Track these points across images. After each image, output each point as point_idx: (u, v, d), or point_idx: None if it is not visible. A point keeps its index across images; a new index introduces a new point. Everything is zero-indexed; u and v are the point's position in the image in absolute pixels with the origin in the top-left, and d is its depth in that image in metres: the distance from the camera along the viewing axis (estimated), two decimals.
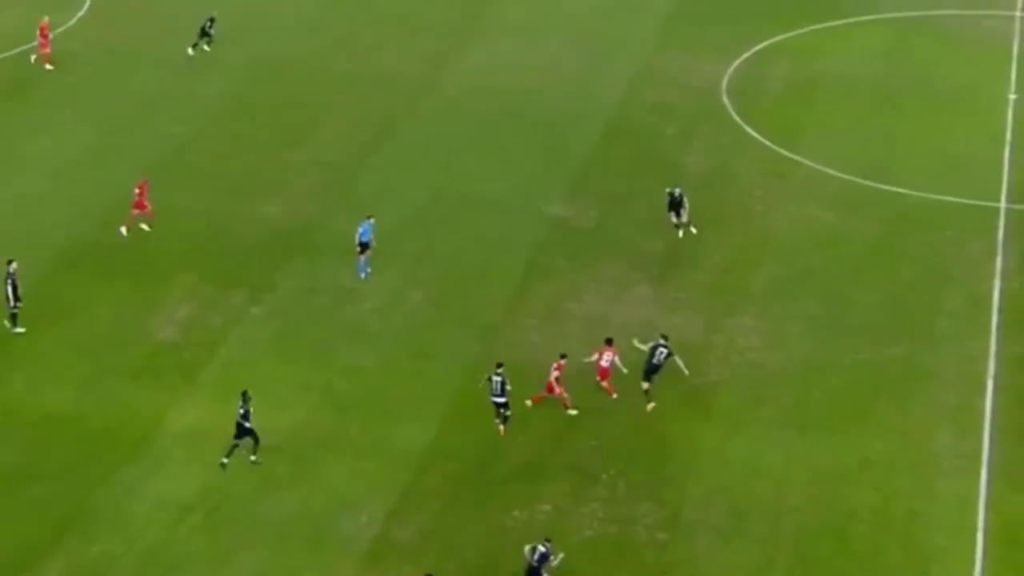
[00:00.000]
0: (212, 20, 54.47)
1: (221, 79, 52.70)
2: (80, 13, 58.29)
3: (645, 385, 35.55)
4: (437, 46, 55.74)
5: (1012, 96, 52.00)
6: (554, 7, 59.28)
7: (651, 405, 35.54)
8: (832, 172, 46.59)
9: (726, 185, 46.15)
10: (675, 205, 42.38)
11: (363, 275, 40.74)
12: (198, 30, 54.28)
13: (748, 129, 49.58)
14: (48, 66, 52.95)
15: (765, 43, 56.04)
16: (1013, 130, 49.52)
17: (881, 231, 43.52)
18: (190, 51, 54.29)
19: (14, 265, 37.94)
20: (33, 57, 53.39)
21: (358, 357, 37.32)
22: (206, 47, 54.42)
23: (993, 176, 46.51)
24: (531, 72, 53.61)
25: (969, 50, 55.89)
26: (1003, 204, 44.89)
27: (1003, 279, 40.93)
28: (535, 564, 29.63)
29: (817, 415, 35.49)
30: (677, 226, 42.48)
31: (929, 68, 54.40)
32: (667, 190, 42.70)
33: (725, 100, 51.69)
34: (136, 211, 42.57)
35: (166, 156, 47.20)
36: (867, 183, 45.95)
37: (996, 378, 36.66)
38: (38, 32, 52.91)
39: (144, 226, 42.87)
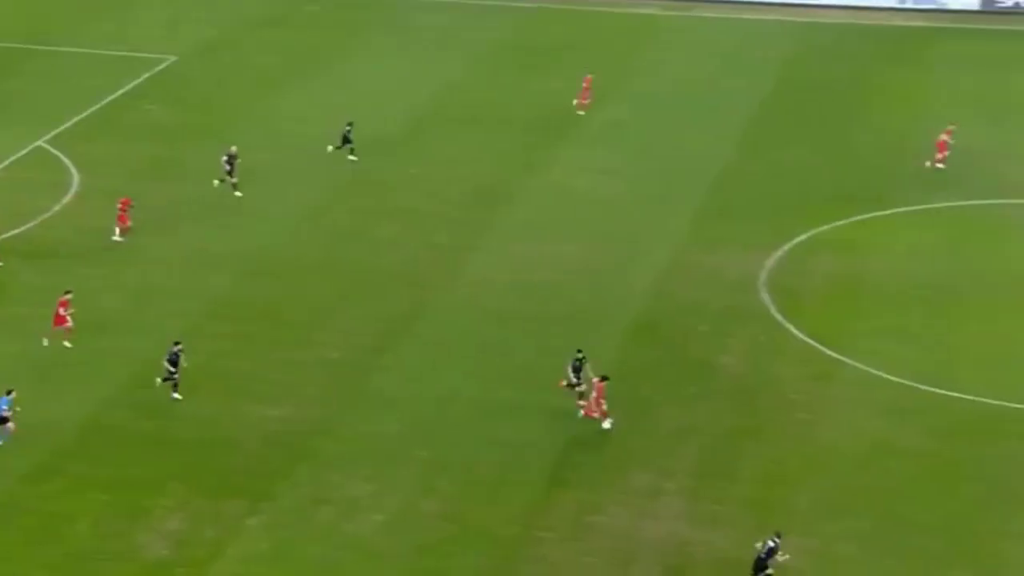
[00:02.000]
0: (351, 125, 63.75)
1: (219, 273, 54.55)
2: (66, 198, 60.62)
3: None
4: (451, 241, 57.35)
5: None
6: (571, 201, 60.85)
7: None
8: (883, 375, 47.62)
9: (766, 388, 47.17)
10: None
11: None
12: (340, 137, 63.45)
13: (790, 327, 50.75)
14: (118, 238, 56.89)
15: (804, 236, 57.45)
16: None
17: (938, 441, 44.36)
18: (329, 148, 63.72)
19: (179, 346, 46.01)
20: (117, 232, 56.84)
21: None
22: (351, 156, 63.37)
23: None
24: (550, 268, 55.12)
25: None
26: None
27: None
28: (763, 556, 36.70)
29: None
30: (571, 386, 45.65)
31: (989, 262, 55.74)
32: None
33: (763, 296, 53.00)
34: None
35: (160, 355, 48.66)
36: (922, 387, 46.97)
37: None
38: (120, 207, 56.91)
39: None
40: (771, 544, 37.46)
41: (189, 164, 64.35)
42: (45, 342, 48.79)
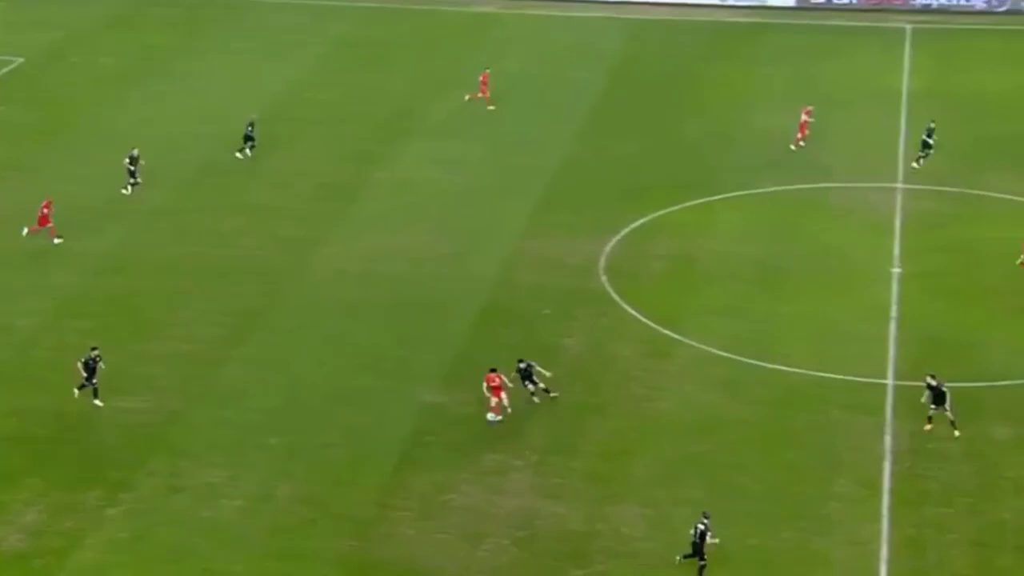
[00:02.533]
0: (253, 124, 62.97)
1: (68, 270, 53.92)
2: None
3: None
4: (300, 234, 57.25)
5: (896, 270, 54.67)
6: (418, 193, 61.07)
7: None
8: (716, 351, 48.66)
9: (606, 367, 47.94)
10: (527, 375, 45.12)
11: None
12: (243, 136, 62.82)
13: (628, 308, 51.58)
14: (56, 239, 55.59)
15: (642, 220, 58.35)
16: (898, 305, 52.09)
17: (767, 412, 45.43)
18: (237, 155, 62.89)
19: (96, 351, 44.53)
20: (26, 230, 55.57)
21: (222, 560, 38.13)
22: (248, 152, 62.91)
23: (879, 353, 48.81)
24: (398, 259, 55.29)
25: (851, 224, 58.70)
26: (890, 381, 47.08)
27: (893, 460, 42.89)
28: (697, 541, 37.00)
29: None
30: (533, 394, 45.25)
31: (811, 242, 57.05)
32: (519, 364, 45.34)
33: (603, 279, 53.79)
34: None
35: (10, 354, 48.02)
36: (752, 362, 48.05)
37: (889, 563, 38.35)
38: (44, 209, 55.52)
39: None
40: (701, 527, 37.57)
41: (41, 165, 63.27)
42: None
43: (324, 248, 56.35)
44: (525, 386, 45.19)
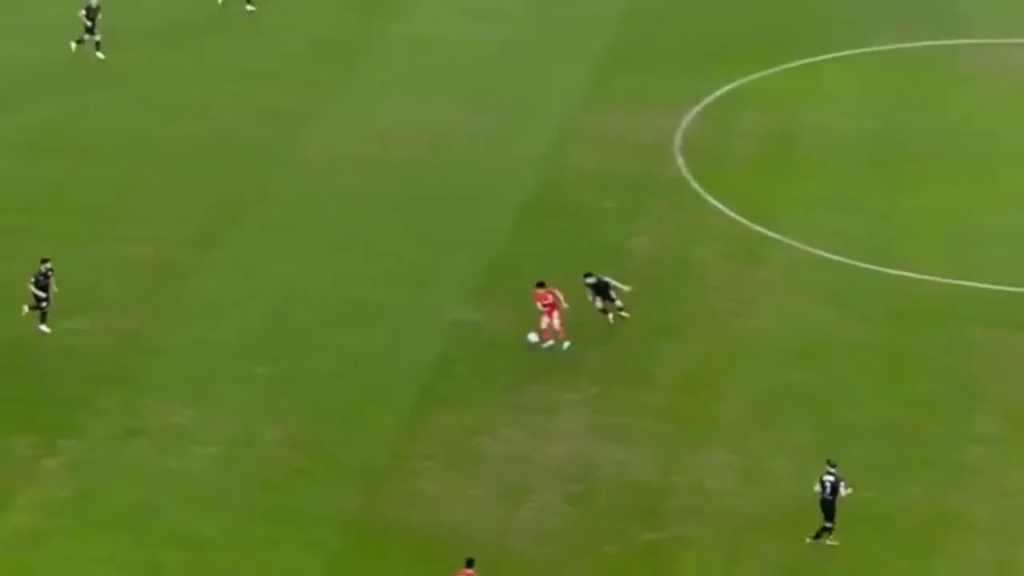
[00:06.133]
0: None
1: None
2: None
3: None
4: (288, 103, 57.47)
5: None
6: (444, 57, 61.49)
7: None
8: (820, 253, 48.64)
9: (684, 275, 47.95)
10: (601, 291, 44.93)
11: None
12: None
13: (711, 200, 51.59)
14: None
15: (728, 87, 58.69)
16: None
17: (886, 330, 45.31)
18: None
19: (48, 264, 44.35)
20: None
21: (194, 523, 37.73)
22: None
23: None
24: (419, 137, 55.58)
25: (991, 90, 58.88)
26: None
27: None
28: (828, 497, 36.71)
29: None
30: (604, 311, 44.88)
31: (939, 116, 57.17)
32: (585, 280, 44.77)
33: (679, 162, 53.75)
34: None
35: None
36: (865, 266, 48.01)
37: None
38: None
39: None
40: (830, 479, 36.85)
41: None
42: None
43: (316, 122, 56.33)
44: (595, 302, 44.81)
